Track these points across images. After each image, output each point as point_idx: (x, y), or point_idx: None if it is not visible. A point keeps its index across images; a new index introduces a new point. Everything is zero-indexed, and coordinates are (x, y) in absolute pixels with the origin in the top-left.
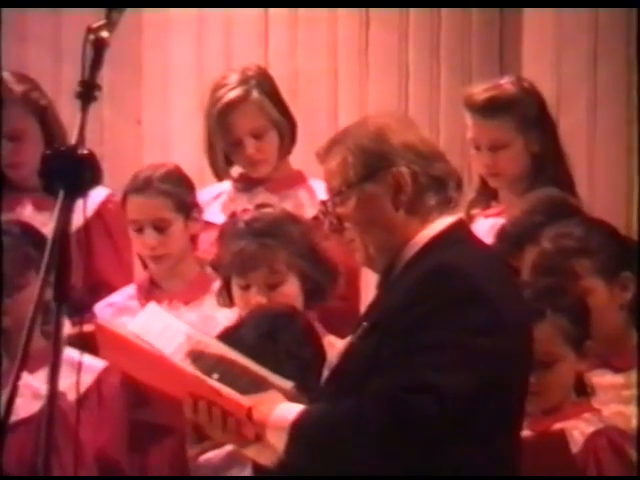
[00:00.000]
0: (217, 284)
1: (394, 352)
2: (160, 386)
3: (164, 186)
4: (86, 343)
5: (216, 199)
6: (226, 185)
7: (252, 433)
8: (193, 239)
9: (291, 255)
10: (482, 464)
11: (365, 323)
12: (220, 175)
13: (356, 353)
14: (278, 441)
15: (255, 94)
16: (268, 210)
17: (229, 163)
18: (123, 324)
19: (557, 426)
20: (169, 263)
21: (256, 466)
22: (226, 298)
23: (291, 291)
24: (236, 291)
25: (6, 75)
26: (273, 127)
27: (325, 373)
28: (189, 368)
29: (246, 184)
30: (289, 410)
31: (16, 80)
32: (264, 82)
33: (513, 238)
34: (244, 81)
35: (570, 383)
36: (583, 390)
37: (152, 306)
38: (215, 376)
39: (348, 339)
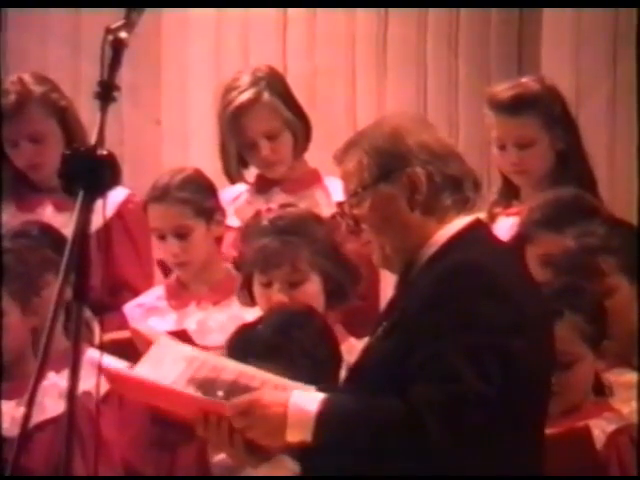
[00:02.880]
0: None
1: (430, 354)
2: (174, 411)
3: (182, 194)
4: (121, 348)
5: (233, 202)
6: (242, 187)
7: (262, 454)
8: (218, 241)
9: (314, 254)
10: (507, 464)
11: (385, 323)
12: (233, 178)
13: (376, 353)
14: (301, 432)
15: (266, 96)
16: (292, 209)
17: (244, 165)
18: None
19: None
20: (193, 269)
21: None
22: (247, 296)
23: (312, 290)
24: (257, 289)
25: (26, 76)
26: (286, 128)
27: (344, 374)
28: (192, 392)
29: (262, 185)
30: (307, 399)
31: (36, 81)
32: (275, 83)
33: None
34: (255, 83)
35: (589, 383)
36: (601, 390)
37: (164, 339)
38: (220, 393)
39: (367, 339)
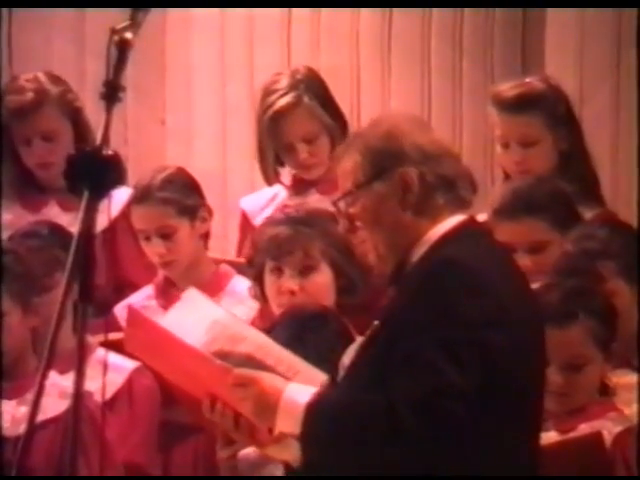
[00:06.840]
0: (233, 280)
1: (410, 349)
2: (182, 380)
3: (163, 194)
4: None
5: (269, 203)
6: (277, 188)
7: (266, 438)
8: (206, 238)
9: (326, 245)
10: (491, 464)
11: (376, 322)
12: (270, 180)
13: (367, 352)
14: (290, 422)
15: (306, 100)
16: (308, 206)
17: (280, 163)
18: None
19: (583, 426)
20: (180, 268)
21: (286, 465)
22: (258, 290)
23: (323, 281)
24: (268, 278)
25: (40, 75)
26: (324, 131)
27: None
28: (217, 361)
29: (298, 187)
30: (301, 391)
31: (51, 81)
32: (314, 86)
33: None
34: (294, 86)
35: (597, 384)
36: (605, 390)
37: (192, 292)
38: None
39: (360, 338)
